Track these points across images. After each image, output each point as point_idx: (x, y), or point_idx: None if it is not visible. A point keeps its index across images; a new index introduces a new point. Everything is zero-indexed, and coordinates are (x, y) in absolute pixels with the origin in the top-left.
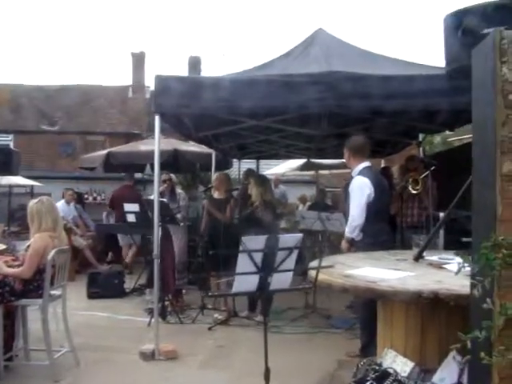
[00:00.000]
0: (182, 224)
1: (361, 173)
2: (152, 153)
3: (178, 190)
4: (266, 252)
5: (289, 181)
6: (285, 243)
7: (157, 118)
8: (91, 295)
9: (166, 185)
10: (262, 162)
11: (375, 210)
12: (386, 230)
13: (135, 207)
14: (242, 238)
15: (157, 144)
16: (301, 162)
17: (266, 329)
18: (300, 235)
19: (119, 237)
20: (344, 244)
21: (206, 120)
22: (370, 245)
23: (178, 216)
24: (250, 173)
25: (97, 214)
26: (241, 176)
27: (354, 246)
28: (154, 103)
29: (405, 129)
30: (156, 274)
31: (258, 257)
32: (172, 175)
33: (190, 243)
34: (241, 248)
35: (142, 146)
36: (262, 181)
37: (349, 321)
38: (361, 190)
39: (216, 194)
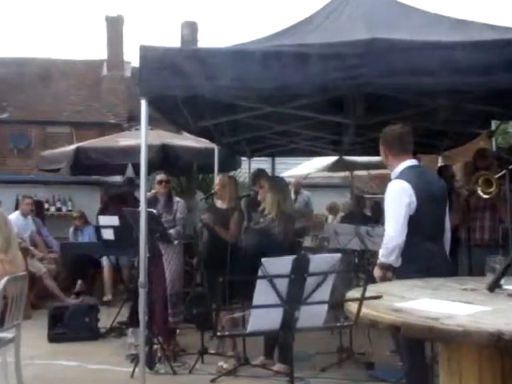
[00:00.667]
0: (176, 242)
1: (400, 175)
2: (134, 149)
3: (177, 198)
4: (292, 278)
5: (314, 185)
6: (317, 266)
7: (143, 104)
8: (54, 337)
9: (161, 188)
10: (279, 161)
11: (421, 224)
12: (440, 251)
13: (113, 220)
14: (263, 260)
15: (143, 137)
16: (330, 160)
17: (293, 382)
18: (338, 255)
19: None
20: (377, 271)
21: (208, 106)
22: (413, 272)
23: (172, 232)
24: (261, 174)
25: (61, 229)
26: (250, 176)
27: (393, 273)
28: (138, 83)
29: (471, 114)
30: (142, 309)
31: (283, 284)
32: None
33: (186, 268)
34: (260, 273)
35: (122, 141)
36: (279, 185)
37: (397, 371)
38: (397, 198)
39: (219, 204)
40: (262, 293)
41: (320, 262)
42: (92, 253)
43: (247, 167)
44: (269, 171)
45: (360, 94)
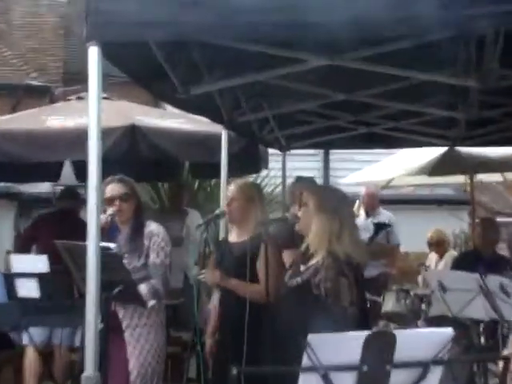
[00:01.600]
0: (151, 305)
1: None
2: (76, 135)
3: (152, 226)
4: (364, 372)
5: (401, 200)
6: (410, 350)
7: (92, 54)
8: None
9: (116, 210)
10: (337, 157)
11: None
12: None
13: (39, 262)
14: (309, 338)
15: (94, 112)
16: (431, 154)
17: None
18: (449, 332)
19: None
20: None
21: (209, 55)
22: None
23: (143, 288)
24: (303, 185)
25: None
26: (286, 190)
27: None
28: (85, 21)
29: None
30: None
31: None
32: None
33: (171, 349)
34: (305, 361)
35: (53, 119)
36: (334, 202)
37: None
38: None
39: (234, 235)
40: None
41: (415, 342)
42: None
43: (279, 167)
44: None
45: (492, 39)
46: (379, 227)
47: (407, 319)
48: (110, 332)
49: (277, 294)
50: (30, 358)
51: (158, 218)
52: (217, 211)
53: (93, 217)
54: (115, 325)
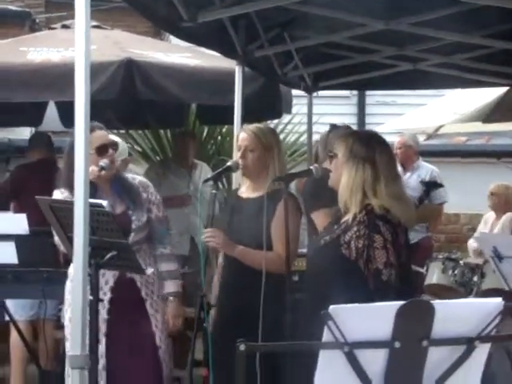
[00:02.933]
0: (150, 272)
1: None
2: (61, 71)
3: (137, 177)
4: (396, 348)
5: (449, 152)
6: (452, 324)
7: None
8: None
9: (106, 162)
10: (373, 100)
11: None
12: None
13: (17, 222)
14: (331, 309)
15: (81, 44)
16: (488, 96)
17: None
18: (499, 302)
19: None
20: None
21: None
22: None
23: (164, 266)
24: (336, 131)
25: None
26: (314, 140)
27: None
28: None
29: None
30: None
31: (376, 361)
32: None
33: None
34: (326, 335)
35: (34, 52)
36: (368, 151)
37: None
38: None
39: (245, 189)
40: (331, 376)
41: (458, 314)
42: None
43: (304, 112)
44: (353, 123)
45: None
46: (430, 186)
47: (455, 293)
48: (125, 303)
49: (291, 262)
50: (14, 339)
51: (160, 173)
52: (228, 163)
53: (81, 169)
54: (134, 295)
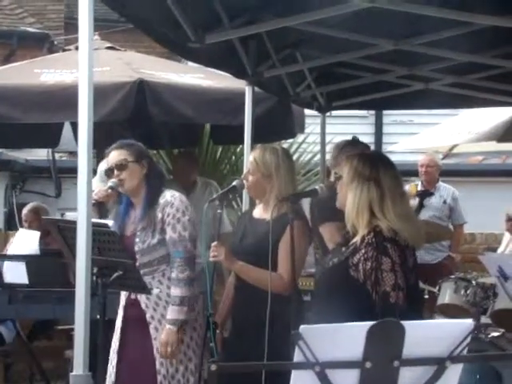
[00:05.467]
0: (156, 292)
1: None
2: (76, 91)
3: (166, 195)
4: (367, 369)
5: (467, 172)
6: (423, 344)
7: None
8: None
9: (115, 178)
10: (391, 119)
11: None
12: None
13: (29, 241)
14: (301, 329)
15: (85, 62)
16: (502, 116)
17: None
18: (468, 322)
19: None
20: None
21: None
22: None
23: (174, 291)
24: (347, 147)
25: None
26: (327, 160)
27: None
28: None
29: None
30: None
31: (344, 382)
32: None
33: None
34: (297, 355)
35: (48, 74)
36: (369, 169)
37: None
38: None
39: (258, 210)
40: None
41: (430, 335)
42: None
43: (319, 131)
44: (369, 141)
45: None
46: (422, 196)
47: (467, 313)
48: (133, 324)
49: (294, 282)
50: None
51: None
52: (234, 182)
53: (83, 188)
54: (138, 316)
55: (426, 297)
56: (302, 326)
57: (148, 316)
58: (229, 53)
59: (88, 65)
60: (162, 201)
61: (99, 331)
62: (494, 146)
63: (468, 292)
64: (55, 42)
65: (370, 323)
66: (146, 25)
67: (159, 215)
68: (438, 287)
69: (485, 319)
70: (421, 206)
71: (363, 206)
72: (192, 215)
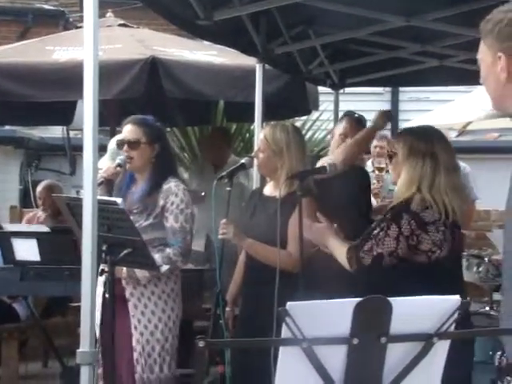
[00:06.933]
0: (165, 269)
1: None
2: None
3: (171, 183)
4: (354, 345)
5: (480, 149)
6: (411, 321)
7: None
8: None
9: (127, 158)
10: (407, 95)
11: None
12: None
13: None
14: (288, 305)
15: (90, 39)
16: None
17: None
18: (455, 299)
19: None
20: None
21: None
22: None
23: (157, 257)
24: (352, 119)
25: None
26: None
27: None
28: None
29: None
30: None
31: (335, 359)
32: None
33: (200, 323)
34: (284, 331)
35: (61, 51)
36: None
37: None
38: None
39: (269, 187)
40: (291, 373)
41: (417, 311)
42: None
43: (333, 110)
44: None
45: None
46: None
47: (480, 290)
48: (117, 300)
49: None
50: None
51: (190, 173)
52: (242, 160)
53: (89, 165)
54: (117, 292)
55: None
56: (288, 303)
57: (128, 293)
58: (238, 30)
59: (93, 41)
60: (165, 187)
61: (107, 308)
62: (508, 122)
63: (480, 269)
64: (70, 19)
65: (356, 300)
66: (156, 2)
67: (161, 202)
68: None
69: (497, 296)
70: None
71: (412, 182)
72: (194, 210)
